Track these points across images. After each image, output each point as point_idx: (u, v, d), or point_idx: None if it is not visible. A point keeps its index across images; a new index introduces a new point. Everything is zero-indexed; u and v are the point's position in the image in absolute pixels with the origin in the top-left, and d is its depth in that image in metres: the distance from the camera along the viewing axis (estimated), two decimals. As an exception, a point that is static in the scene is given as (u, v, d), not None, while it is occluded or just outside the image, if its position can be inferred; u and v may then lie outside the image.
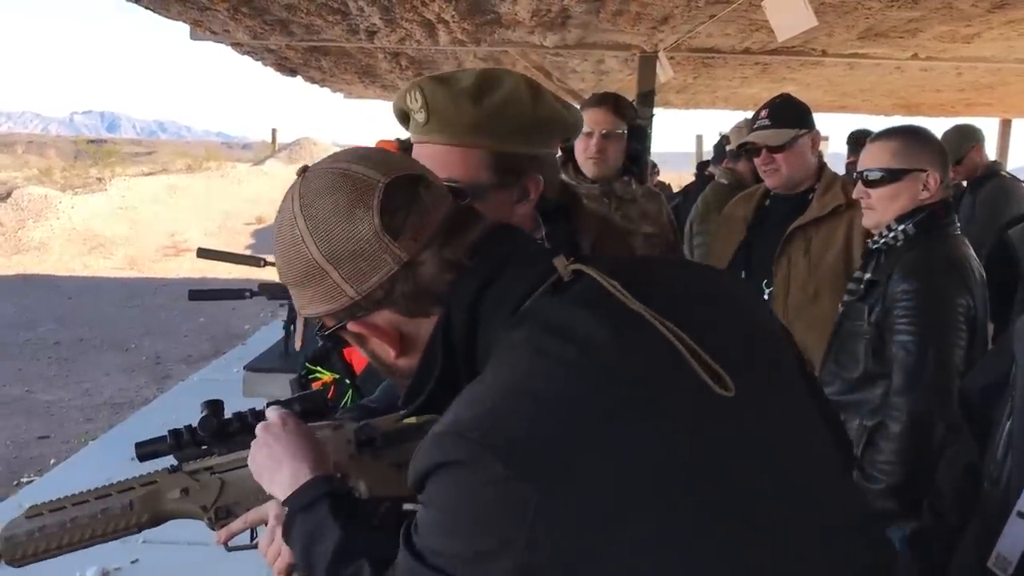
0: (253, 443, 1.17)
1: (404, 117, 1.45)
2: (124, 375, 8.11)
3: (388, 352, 1.02)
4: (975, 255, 2.26)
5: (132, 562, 3.65)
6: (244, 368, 3.40)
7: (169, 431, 1.25)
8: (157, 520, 1.25)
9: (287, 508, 1.09)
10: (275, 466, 1.13)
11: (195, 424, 1.25)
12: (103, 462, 4.98)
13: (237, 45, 5.66)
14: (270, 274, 3.91)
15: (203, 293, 3.74)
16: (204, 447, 1.26)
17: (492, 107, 1.36)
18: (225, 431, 1.25)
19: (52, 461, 5.67)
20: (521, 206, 1.42)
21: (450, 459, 0.86)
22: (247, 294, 3.55)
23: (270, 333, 7.53)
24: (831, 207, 2.75)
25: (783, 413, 0.96)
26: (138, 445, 1.25)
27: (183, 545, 3.61)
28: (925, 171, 2.24)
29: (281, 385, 2.86)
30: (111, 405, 7.13)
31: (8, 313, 10.69)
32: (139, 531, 1.25)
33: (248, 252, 5.72)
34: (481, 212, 1.04)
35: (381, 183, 0.96)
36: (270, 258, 4.28)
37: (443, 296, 0.97)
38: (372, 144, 2.54)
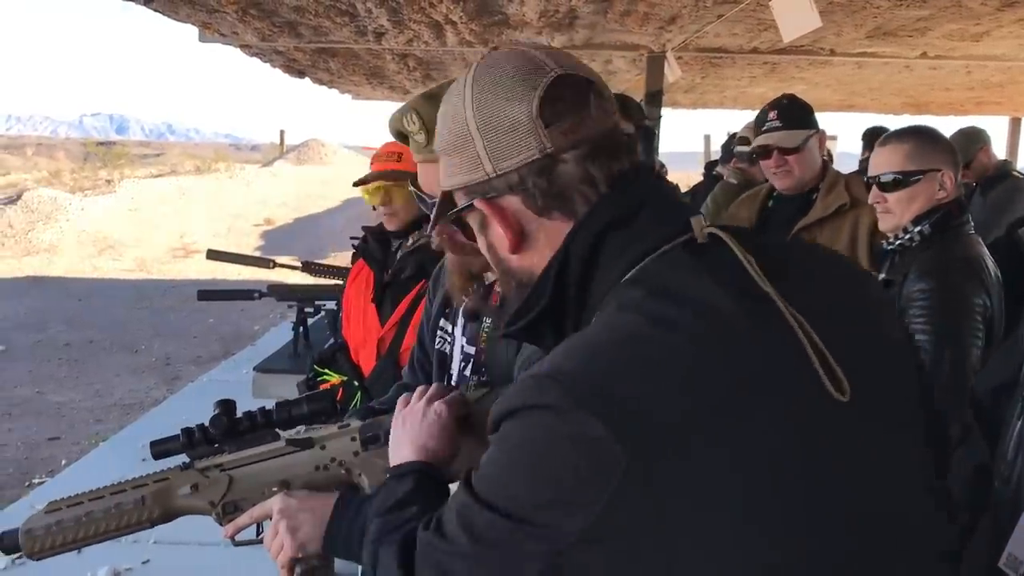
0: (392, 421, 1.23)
1: (402, 137, 1.45)
2: (134, 376, 8.14)
3: (504, 245, 0.99)
4: (989, 255, 2.26)
5: (143, 562, 3.65)
6: (254, 369, 3.41)
7: (182, 429, 1.29)
8: (168, 515, 1.28)
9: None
10: (396, 448, 1.18)
11: (207, 423, 1.28)
12: (114, 463, 5.00)
13: (246, 47, 5.68)
14: (279, 275, 3.94)
15: (212, 293, 3.77)
16: (215, 445, 1.28)
17: None
18: (235, 429, 1.28)
19: (63, 462, 5.70)
20: None
21: (539, 403, 0.84)
22: (256, 295, 3.57)
23: (279, 334, 7.55)
24: (835, 207, 2.74)
25: (889, 427, 0.92)
26: (153, 444, 1.29)
27: (194, 546, 3.62)
28: (940, 171, 2.23)
29: (290, 386, 2.87)
30: (121, 406, 7.16)
31: (18, 314, 10.73)
32: (151, 526, 1.28)
33: (257, 254, 5.74)
34: (635, 150, 1.01)
35: (554, 72, 0.95)
36: (279, 259, 4.32)
37: (573, 208, 0.95)
38: (380, 147, 2.54)
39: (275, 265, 3.77)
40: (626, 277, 0.91)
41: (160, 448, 1.29)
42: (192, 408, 5.94)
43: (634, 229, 0.93)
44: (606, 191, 0.95)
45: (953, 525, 0.98)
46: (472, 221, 1.03)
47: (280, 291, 3.47)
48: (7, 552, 1.29)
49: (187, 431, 1.28)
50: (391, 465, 1.15)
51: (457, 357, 1.52)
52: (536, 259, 0.98)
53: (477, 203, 0.98)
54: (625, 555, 0.82)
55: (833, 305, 0.93)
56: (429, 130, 1.35)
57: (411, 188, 1.49)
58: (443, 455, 1.17)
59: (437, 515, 0.93)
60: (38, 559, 1.29)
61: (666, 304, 0.86)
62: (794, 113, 2.82)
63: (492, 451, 0.90)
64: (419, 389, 1.25)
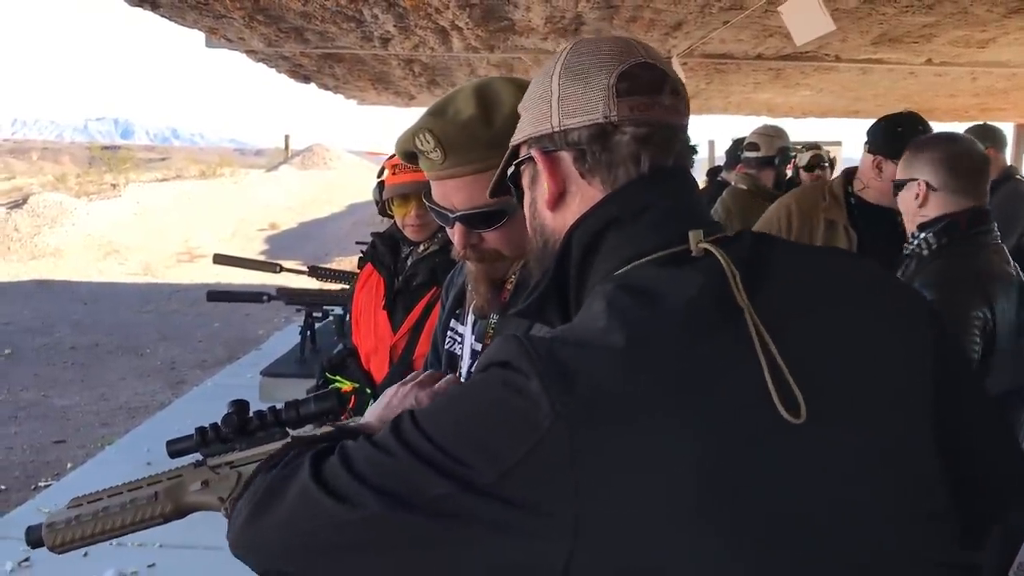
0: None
1: (411, 157, 1.46)
2: (139, 380, 8.15)
3: (545, 199, 1.04)
4: (1010, 260, 2.26)
5: (149, 566, 3.67)
6: (260, 373, 3.42)
7: (196, 428, 1.32)
8: (180, 511, 1.32)
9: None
10: (363, 420, 1.23)
11: (219, 422, 1.31)
12: (119, 466, 5.01)
13: (252, 52, 5.70)
14: (285, 280, 3.95)
15: (222, 294, 3.78)
16: (228, 443, 1.32)
17: (505, 124, 1.34)
18: (247, 428, 1.31)
19: (68, 465, 5.71)
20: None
21: (503, 359, 0.87)
22: (265, 298, 3.58)
23: (284, 339, 7.57)
24: None
25: (860, 449, 0.88)
26: (169, 443, 1.32)
27: (199, 549, 3.64)
28: (916, 180, 2.28)
29: (297, 390, 2.88)
30: (127, 410, 7.17)
31: (25, 318, 10.76)
32: (164, 521, 1.32)
33: (262, 258, 5.77)
34: (687, 155, 1.05)
35: (642, 58, 1.01)
36: (286, 264, 4.33)
37: (614, 179, 0.99)
38: (384, 159, 2.52)
39: (281, 269, 3.78)
40: (615, 273, 0.94)
41: (175, 447, 1.32)
42: (197, 412, 5.95)
43: (633, 230, 0.96)
44: (646, 175, 0.98)
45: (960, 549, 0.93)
46: (526, 177, 1.09)
47: (289, 295, 3.48)
48: (33, 545, 1.33)
49: (200, 430, 1.32)
50: None
51: (467, 356, 1.54)
52: (568, 219, 1.01)
53: (534, 152, 1.04)
54: (531, 522, 0.81)
55: (829, 326, 0.92)
56: (444, 146, 1.36)
57: (424, 201, 1.50)
58: None
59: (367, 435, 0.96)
60: (60, 552, 1.32)
61: (637, 300, 0.88)
62: None
63: (437, 400, 0.95)
64: (413, 374, 1.29)
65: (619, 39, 1.04)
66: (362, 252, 2.76)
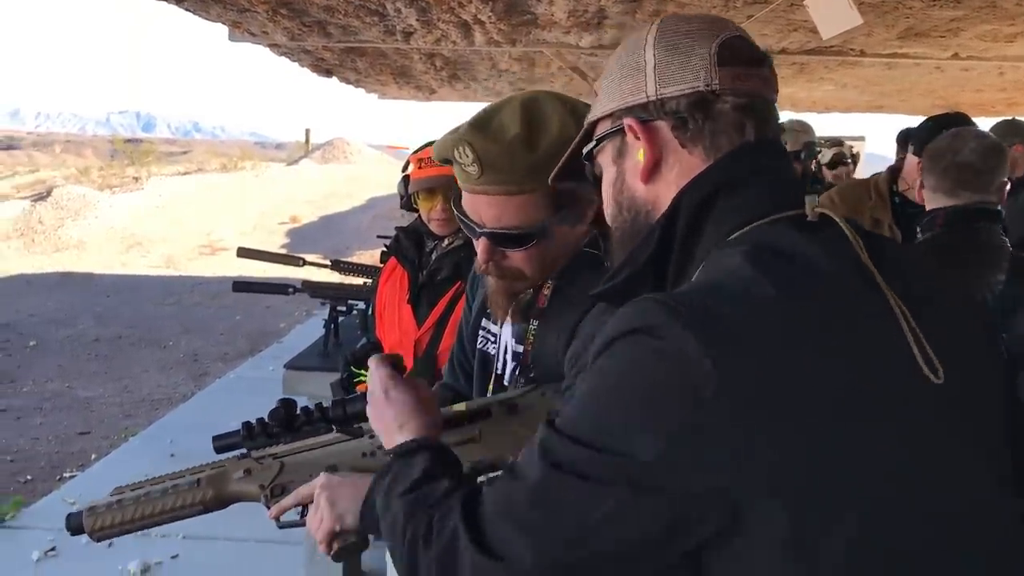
0: (369, 404, 1.23)
1: (448, 161, 1.44)
2: (162, 372, 8.22)
3: (638, 171, 1.02)
4: (997, 265, 2.24)
5: (173, 557, 3.71)
6: (284, 366, 3.44)
7: (243, 423, 1.34)
8: (221, 499, 1.33)
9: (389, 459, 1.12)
10: (386, 431, 1.19)
11: (265, 417, 1.33)
12: (143, 458, 5.06)
13: (275, 46, 5.71)
14: (308, 273, 3.97)
15: (247, 285, 3.80)
16: (273, 437, 1.34)
17: (548, 150, 1.34)
18: (293, 424, 1.32)
19: (93, 456, 5.76)
20: (578, 228, 1.44)
21: (634, 326, 0.85)
22: (290, 290, 3.61)
23: (306, 332, 7.61)
24: None
25: (975, 419, 0.93)
26: (215, 439, 1.35)
27: (221, 541, 3.67)
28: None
29: (321, 384, 2.89)
30: (150, 401, 7.23)
31: (49, 310, 10.87)
32: (205, 510, 1.34)
33: (283, 251, 5.80)
34: (780, 132, 1.05)
35: (737, 31, 1.02)
36: (309, 257, 4.34)
37: (717, 147, 0.98)
38: (424, 151, 2.51)
39: (304, 263, 3.80)
40: (731, 237, 0.93)
41: (222, 443, 1.34)
42: (220, 404, 6.04)
43: (747, 193, 0.96)
44: (752, 143, 0.98)
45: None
46: (608, 152, 1.07)
47: (314, 288, 3.49)
48: (73, 531, 1.35)
49: (247, 425, 1.34)
50: (390, 448, 1.16)
51: (504, 355, 1.52)
52: (662, 191, 1.00)
53: (629, 121, 1.01)
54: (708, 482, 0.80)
55: (929, 299, 0.94)
56: (483, 162, 1.34)
57: (452, 206, 1.49)
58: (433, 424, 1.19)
59: (507, 465, 0.92)
60: (99, 539, 1.34)
61: (776, 259, 0.88)
62: None
63: (580, 387, 0.89)
64: (374, 371, 1.27)
65: (707, 15, 1.04)
66: (384, 246, 2.77)
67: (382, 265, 2.83)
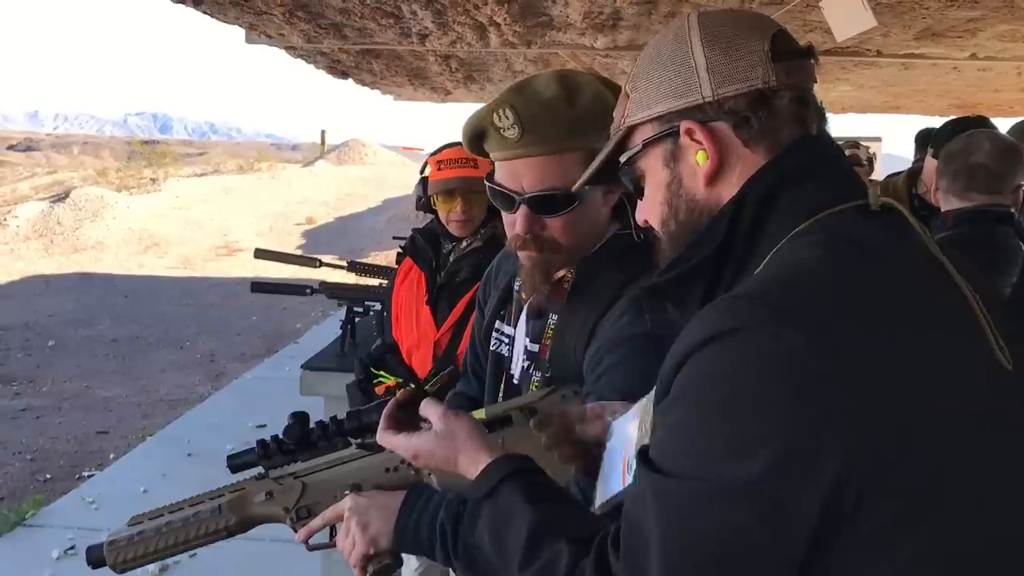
0: (428, 446, 1.15)
1: (479, 137, 1.43)
2: (179, 372, 8.27)
3: (698, 174, 0.99)
4: (1005, 273, 2.23)
5: (191, 555, 3.73)
6: (301, 367, 3.45)
7: (257, 441, 1.30)
8: (245, 523, 1.29)
9: (471, 499, 1.06)
10: (453, 465, 1.12)
11: (281, 434, 1.30)
12: (160, 457, 5.11)
13: (291, 49, 5.74)
14: (324, 275, 3.99)
15: (265, 286, 3.82)
16: (289, 455, 1.31)
17: (586, 107, 1.36)
18: (308, 439, 1.29)
19: (111, 455, 5.81)
20: (609, 198, 1.44)
21: (728, 327, 0.81)
22: (308, 291, 3.62)
23: (322, 333, 7.64)
24: None
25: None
26: (230, 457, 1.31)
27: (239, 539, 3.69)
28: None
29: (338, 384, 2.90)
30: (167, 401, 7.28)
31: (67, 310, 10.96)
32: (228, 535, 1.29)
33: (299, 252, 5.81)
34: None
35: (779, 25, 1.01)
36: (325, 259, 4.36)
37: (779, 142, 0.97)
38: (443, 153, 2.51)
39: (321, 264, 3.81)
40: (799, 228, 0.91)
41: (237, 461, 1.31)
42: (237, 404, 6.08)
43: (812, 184, 0.95)
44: (813, 134, 0.98)
45: None
46: (658, 155, 1.03)
47: (332, 289, 3.51)
48: (94, 565, 1.30)
49: (262, 443, 1.30)
50: (470, 479, 1.09)
51: (519, 356, 1.51)
52: (725, 191, 0.98)
53: (687, 124, 0.98)
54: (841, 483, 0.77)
55: (984, 290, 0.93)
56: (524, 122, 1.34)
57: (487, 183, 1.46)
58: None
59: (614, 529, 0.87)
60: (121, 571, 1.29)
61: (854, 250, 0.88)
62: None
63: (673, 414, 0.84)
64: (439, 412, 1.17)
65: (746, 11, 1.03)
66: (400, 248, 2.78)
67: (398, 266, 2.84)
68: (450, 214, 2.45)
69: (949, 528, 0.80)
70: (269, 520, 1.31)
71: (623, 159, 1.07)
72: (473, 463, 1.08)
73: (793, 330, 0.79)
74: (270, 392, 5.94)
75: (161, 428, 5.93)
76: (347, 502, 1.21)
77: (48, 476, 5.63)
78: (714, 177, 0.98)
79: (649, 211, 1.07)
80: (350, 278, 3.89)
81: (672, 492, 0.81)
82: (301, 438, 1.29)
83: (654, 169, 1.04)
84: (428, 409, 1.18)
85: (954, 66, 5.74)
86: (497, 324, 1.61)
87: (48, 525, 4.16)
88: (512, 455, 1.08)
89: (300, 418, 1.30)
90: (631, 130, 1.05)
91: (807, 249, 0.88)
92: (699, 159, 0.98)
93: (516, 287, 1.57)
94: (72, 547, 3.87)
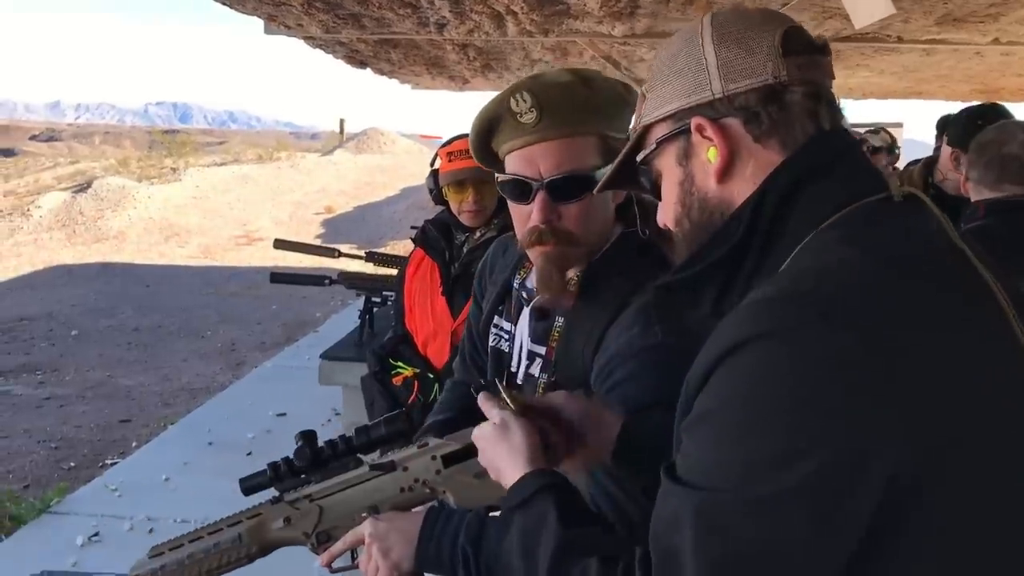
0: (480, 448, 1.16)
1: (491, 127, 1.44)
2: (200, 361, 8.34)
3: (710, 171, 0.98)
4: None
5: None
6: (320, 357, 3.48)
7: (268, 464, 1.32)
8: (264, 549, 1.32)
9: (504, 508, 1.06)
10: (494, 468, 1.13)
11: (292, 456, 1.31)
12: (182, 445, 5.15)
13: (310, 39, 5.75)
14: (343, 264, 4.01)
15: (284, 276, 3.85)
16: (301, 476, 1.32)
17: (600, 90, 1.39)
18: (319, 459, 1.31)
19: (134, 444, 5.87)
20: (617, 194, 1.44)
21: (766, 329, 0.79)
22: (327, 281, 3.64)
23: (341, 322, 7.67)
24: None
25: None
26: (242, 480, 1.33)
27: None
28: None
29: (356, 374, 2.93)
30: (188, 390, 7.34)
31: (89, 300, 11.07)
32: (250, 561, 1.31)
33: (318, 242, 5.84)
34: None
35: (791, 22, 1.00)
36: (343, 248, 4.38)
37: (793, 138, 0.96)
38: (455, 143, 2.51)
39: (340, 255, 3.84)
40: (826, 223, 0.90)
41: (249, 484, 1.33)
42: (257, 393, 6.12)
43: (835, 177, 0.94)
44: (828, 130, 0.97)
45: None
46: (672, 154, 1.02)
47: (350, 278, 3.53)
48: None
49: (273, 465, 1.32)
50: (506, 487, 1.09)
51: (518, 355, 1.50)
52: (737, 188, 0.97)
53: (699, 120, 0.98)
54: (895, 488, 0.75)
55: (1004, 280, 0.93)
56: (542, 105, 1.35)
57: (497, 177, 1.47)
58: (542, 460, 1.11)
59: (641, 552, 0.86)
60: None
61: (886, 244, 0.87)
62: None
63: (701, 424, 0.82)
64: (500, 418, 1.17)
65: (759, 8, 1.02)
66: (411, 238, 2.80)
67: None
68: (462, 204, 2.46)
69: (998, 526, 0.80)
70: (289, 544, 1.32)
71: (639, 158, 1.07)
72: (513, 467, 1.09)
73: (843, 330, 0.77)
74: (290, 381, 5.99)
75: (182, 417, 5.98)
76: (367, 527, 1.23)
77: (72, 464, 5.70)
78: (725, 173, 0.97)
79: (666, 212, 1.06)
80: (369, 268, 3.91)
81: (711, 506, 0.78)
82: (312, 458, 1.30)
83: (669, 168, 1.04)
84: (486, 404, 1.18)
85: (976, 51, 5.68)
86: (496, 320, 1.60)
87: (72, 512, 4.21)
88: (548, 470, 1.08)
89: (309, 439, 1.31)
90: (647, 130, 1.05)
91: (840, 245, 0.87)
92: (710, 156, 0.97)
93: (516, 284, 1.56)
94: (96, 533, 3.91)
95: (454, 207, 2.51)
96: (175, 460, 4.87)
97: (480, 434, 1.17)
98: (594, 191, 1.23)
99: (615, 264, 1.42)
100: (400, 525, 1.20)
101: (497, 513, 1.08)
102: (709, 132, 0.97)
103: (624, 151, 1.10)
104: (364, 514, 1.27)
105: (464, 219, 2.50)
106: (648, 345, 1.28)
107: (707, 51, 0.98)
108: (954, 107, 8.48)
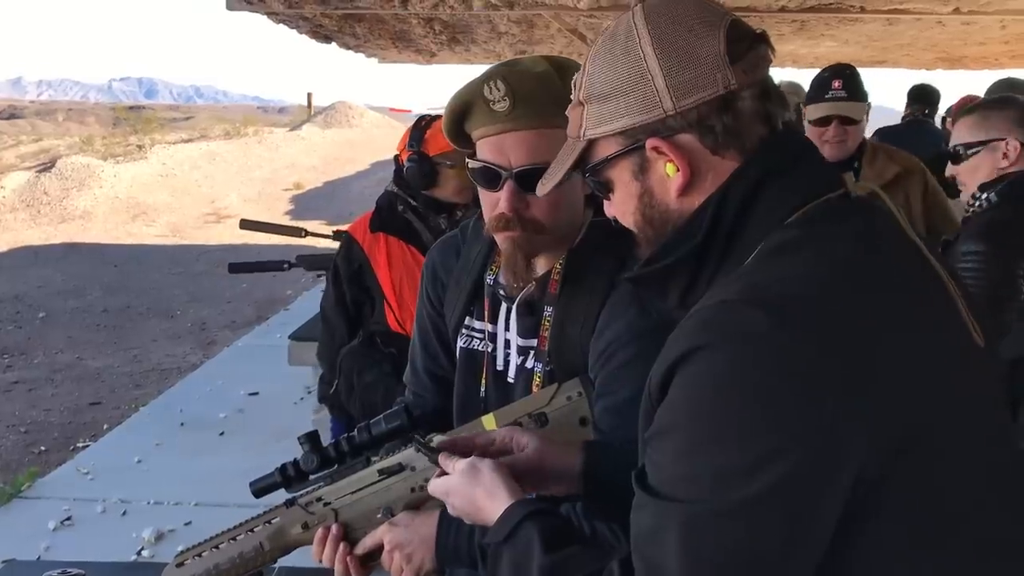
0: (450, 492, 1.16)
1: (464, 113, 1.42)
2: (170, 341, 8.29)
3: (669, 187, 0.97)
4: None
5: (186, 524, 3.78)
6: (289, 337, 3.47)
7: (277, 468, 1.36)
8: (286, 551, 1.37)
9: (492, 544, 1.07)
10: (475, 510, 1.13)
11: (299, 459, 1.35)
12: (154, 427, 5.14)
13: (272, 14, 5.69)
14: (310, 244, 3.99)
15: (243, 266, 3.82)
16: (309, 477, 1.36)
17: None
18: (326, 462, 1.35)
19: (105, 426, 5.85)
20: (586, 183, 1.44)
21: (720, 334, 0.81)
22: (285, 266, 3.62)
23: (312, 299, 7.64)
24: (891, 174, 2.81)
25: (991, 368, 0.96)
26: (252, 483, 1.37)
27: (232, 507, 3.73)
28: (1003, 139, 2.28)
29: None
30: (159, 371, 7.31)
31: (56, 281, 10.93)
32: (273, 562, 1.37)
33: (287, 218, 5.79)
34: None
35: (728, 14, 0.97)
36: (312, 225, 4.34)
37: (748, 145, 0.95)
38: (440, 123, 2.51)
39: (307, 234, 3.81)
40: (787, 221, 0.91)
41: (260, 486, 1.37)
42: (228, 373, 6.10)
43: (794, 177, 0.94)
44: (781, 129, 0.97)
45: None
46: (626, 168, 1.00)
47: (309, 260, 3.50)
48: None
49: (281, 469, 1.35)
50: (493, 523, 1.09)
51: (504, 353, 1.50)
52: (698, 199, 0.96)
53: (653, 142, 0.95)
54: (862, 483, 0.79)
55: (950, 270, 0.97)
56: (515, 94, 1.34)
57: (468, 162, 1.45)
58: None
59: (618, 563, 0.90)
60: None
61: (841, 242, 0.89)
62: (858, 85, 2.89)
63: (668, 433, 0.83)
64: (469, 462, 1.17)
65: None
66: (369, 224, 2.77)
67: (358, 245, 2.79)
68: (463, 182, 2.46)
69: (958, 508, 0.83)
70: (308, 544, 1.36)
71: (587, 170, 1.04)
72: (494, 503, 1.09)
73: (799, 332, 0.79)
74: (262, 360, 5.96)
75: (153, 398, 5.96)
76: (385, 534, 1.29)
77: (42, 448, 5.67)
78: (686, 188, 0.97)
79: (623, 216, 1.05)
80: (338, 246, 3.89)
81: (691, 518, 0.79)
82: (319, 464, 1.35)
83: (623, 180, 1.02)
84: (445, 461, 1.18)
85: (938, 20, 5.72)
86: (467, 320, 1.57)
87: (44, 497, 4.20)
88: (528, 499, 1.09)
89: (312, 442, 1.35)
90: (591, 142, 1.02)
91: (796, 247, 0.88)
92: (668, 171, 0.97)
93: (489, 281, 1.54)
94: (68, 518, 3.91)
95: (455, 186, 2.51)
96: (147, 441, 4.86)
97: (444, 487, 1.16)
98: (537, 193, 1.17)
99: (594, 248, 1.42)
100: (415, 528, 1.27)
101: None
102: (665, 150, 0.96)
103: (569, 161, 1.05)
104: (379, 515, 1.31)
105: (462, 197, 2.51)
106: (647, 328, 1.30)
107: (650, 63, 0.94)
108: (919, 76, 8.54)
